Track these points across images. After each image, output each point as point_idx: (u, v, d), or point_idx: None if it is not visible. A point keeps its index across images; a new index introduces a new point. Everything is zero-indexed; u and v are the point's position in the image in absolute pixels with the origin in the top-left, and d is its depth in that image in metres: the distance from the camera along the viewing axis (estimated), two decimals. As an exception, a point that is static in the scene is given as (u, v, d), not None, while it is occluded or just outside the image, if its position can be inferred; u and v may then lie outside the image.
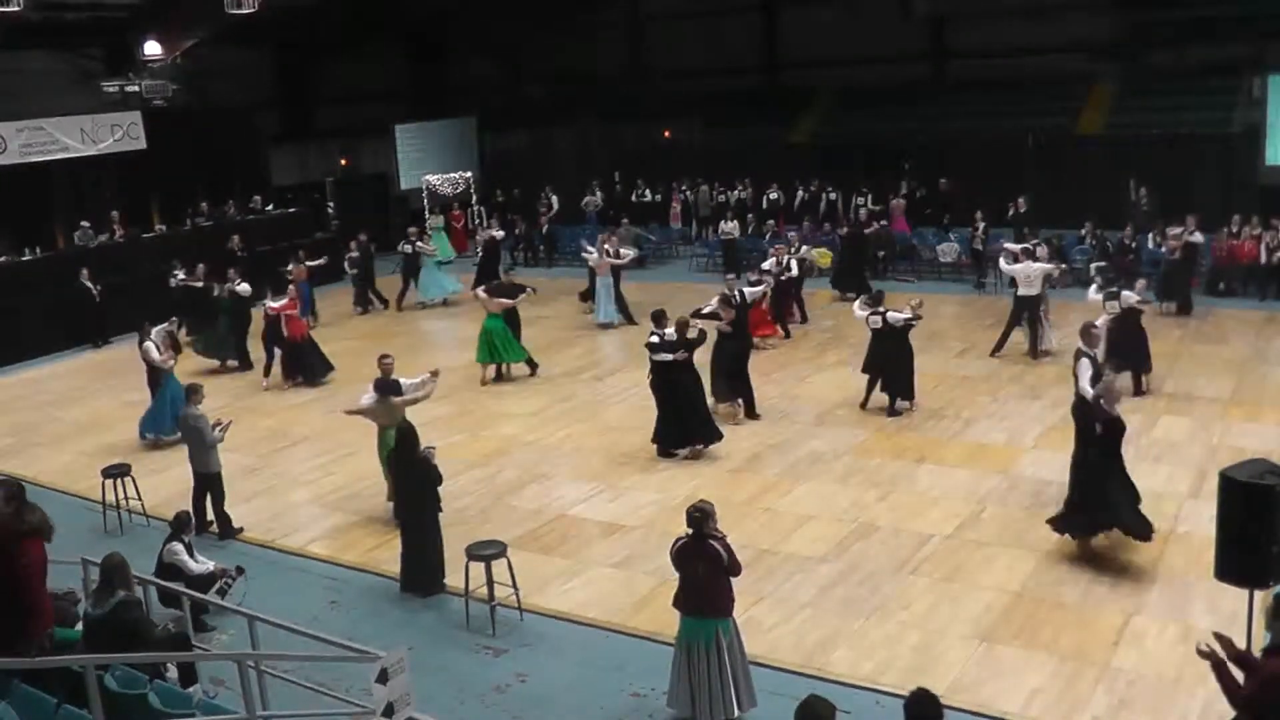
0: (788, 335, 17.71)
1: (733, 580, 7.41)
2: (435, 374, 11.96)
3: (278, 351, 17.03)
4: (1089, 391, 9.62)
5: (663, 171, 27.93)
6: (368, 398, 11.50)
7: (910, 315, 13.87)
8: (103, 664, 6.30)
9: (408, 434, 9.96)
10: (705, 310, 14.32)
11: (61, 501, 12.39)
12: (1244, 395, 13.72)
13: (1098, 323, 11.42)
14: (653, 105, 29.45)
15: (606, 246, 19.43)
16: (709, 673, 7.27)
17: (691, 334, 12.84)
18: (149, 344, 14.51)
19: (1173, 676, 7.82)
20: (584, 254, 20.22)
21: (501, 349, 16.24)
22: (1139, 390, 13.79)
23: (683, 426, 12.71)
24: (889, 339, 13.79)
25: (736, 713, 7.37)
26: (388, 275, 22.53)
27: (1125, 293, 13.87)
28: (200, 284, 19.08)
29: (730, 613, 7.44)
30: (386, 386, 11.43)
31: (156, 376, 14.49)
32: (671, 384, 12.70)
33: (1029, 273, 15.76)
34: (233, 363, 18.04)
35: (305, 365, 16.96)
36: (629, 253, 20.11)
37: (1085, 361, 9.90)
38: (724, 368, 13.90)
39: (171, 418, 13.47)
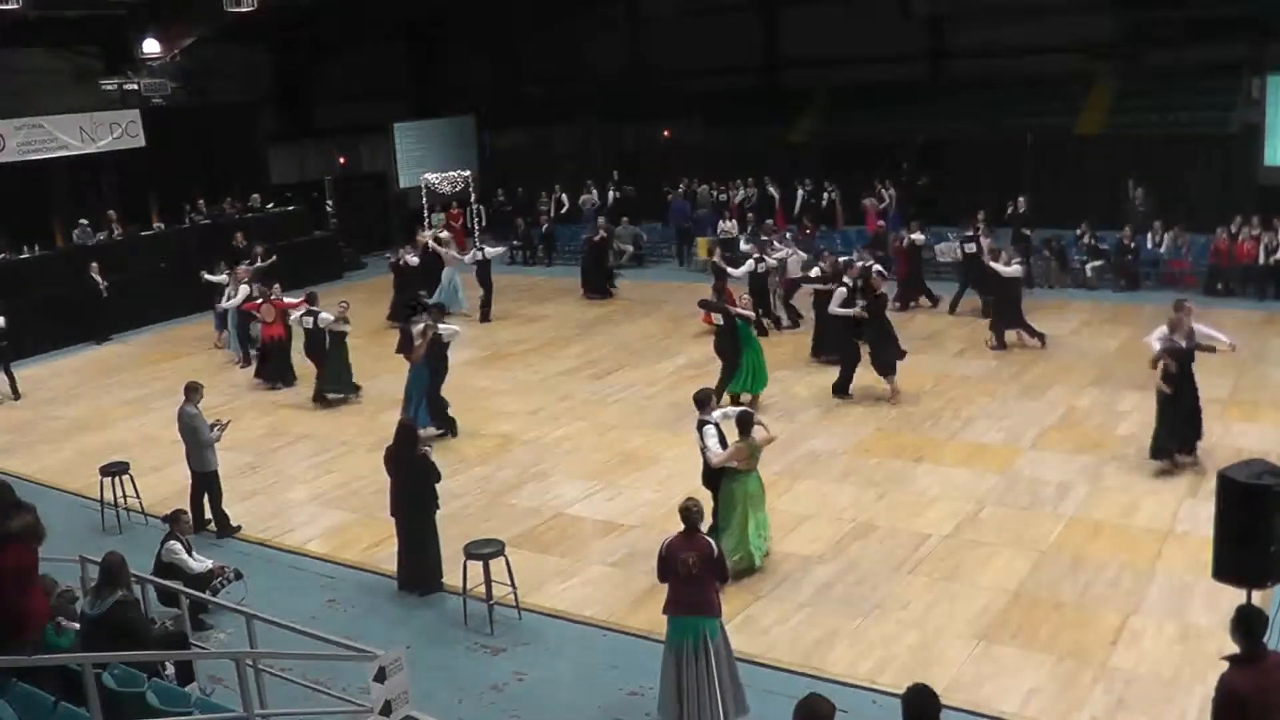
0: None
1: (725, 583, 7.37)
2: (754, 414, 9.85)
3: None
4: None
5: (662, 171, 27.90)
6: (714, 442, 9.34)
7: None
8: (100, 662, 6.29)
9: (407, 431, 9.94)
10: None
11: (60, 499, 12.42)
12: (1242, 395, 13.72)
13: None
14: (652, 105, 29.40)
15: None
16: (697, 678, 7.17)
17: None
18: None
19: (1170, 676, 7.83)
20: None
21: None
22: None
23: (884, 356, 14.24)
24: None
25: None
26: (372, 279, 22.40)
27: None
28: None
29: (719, 613, 7.37)
30: (745, 422, 9.40)
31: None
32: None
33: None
34: None
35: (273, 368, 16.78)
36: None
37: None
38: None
39: None
